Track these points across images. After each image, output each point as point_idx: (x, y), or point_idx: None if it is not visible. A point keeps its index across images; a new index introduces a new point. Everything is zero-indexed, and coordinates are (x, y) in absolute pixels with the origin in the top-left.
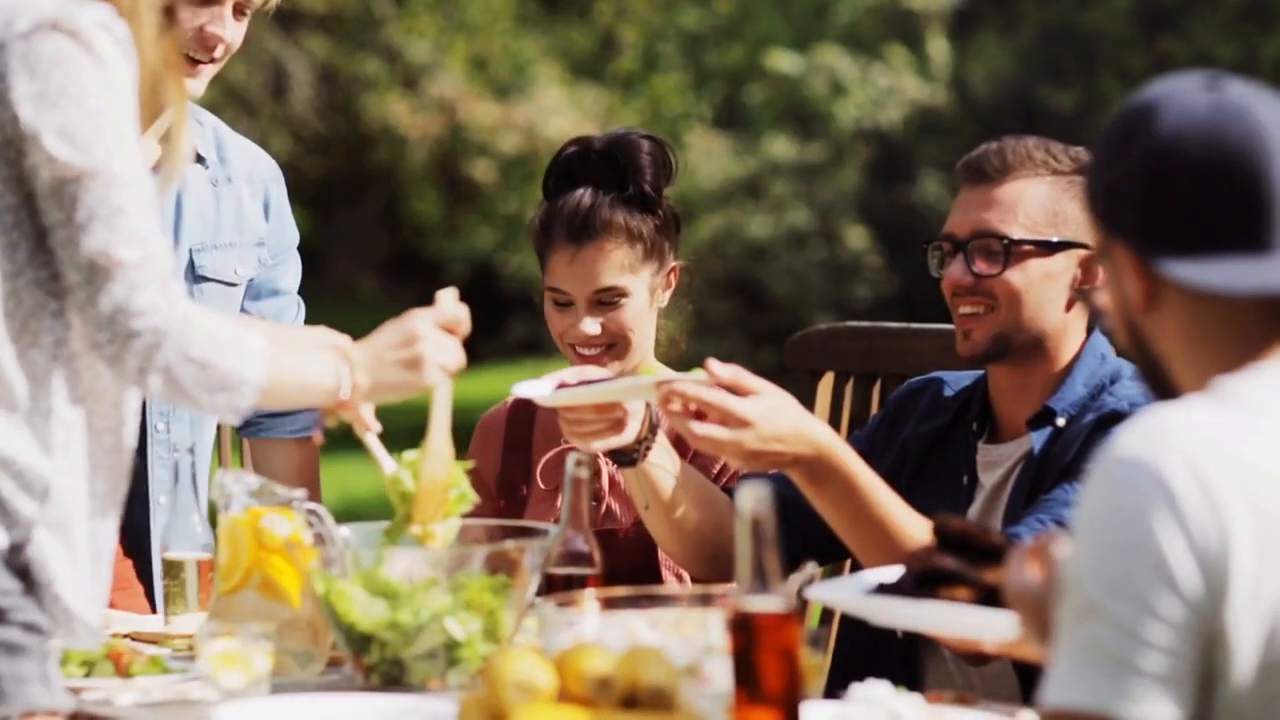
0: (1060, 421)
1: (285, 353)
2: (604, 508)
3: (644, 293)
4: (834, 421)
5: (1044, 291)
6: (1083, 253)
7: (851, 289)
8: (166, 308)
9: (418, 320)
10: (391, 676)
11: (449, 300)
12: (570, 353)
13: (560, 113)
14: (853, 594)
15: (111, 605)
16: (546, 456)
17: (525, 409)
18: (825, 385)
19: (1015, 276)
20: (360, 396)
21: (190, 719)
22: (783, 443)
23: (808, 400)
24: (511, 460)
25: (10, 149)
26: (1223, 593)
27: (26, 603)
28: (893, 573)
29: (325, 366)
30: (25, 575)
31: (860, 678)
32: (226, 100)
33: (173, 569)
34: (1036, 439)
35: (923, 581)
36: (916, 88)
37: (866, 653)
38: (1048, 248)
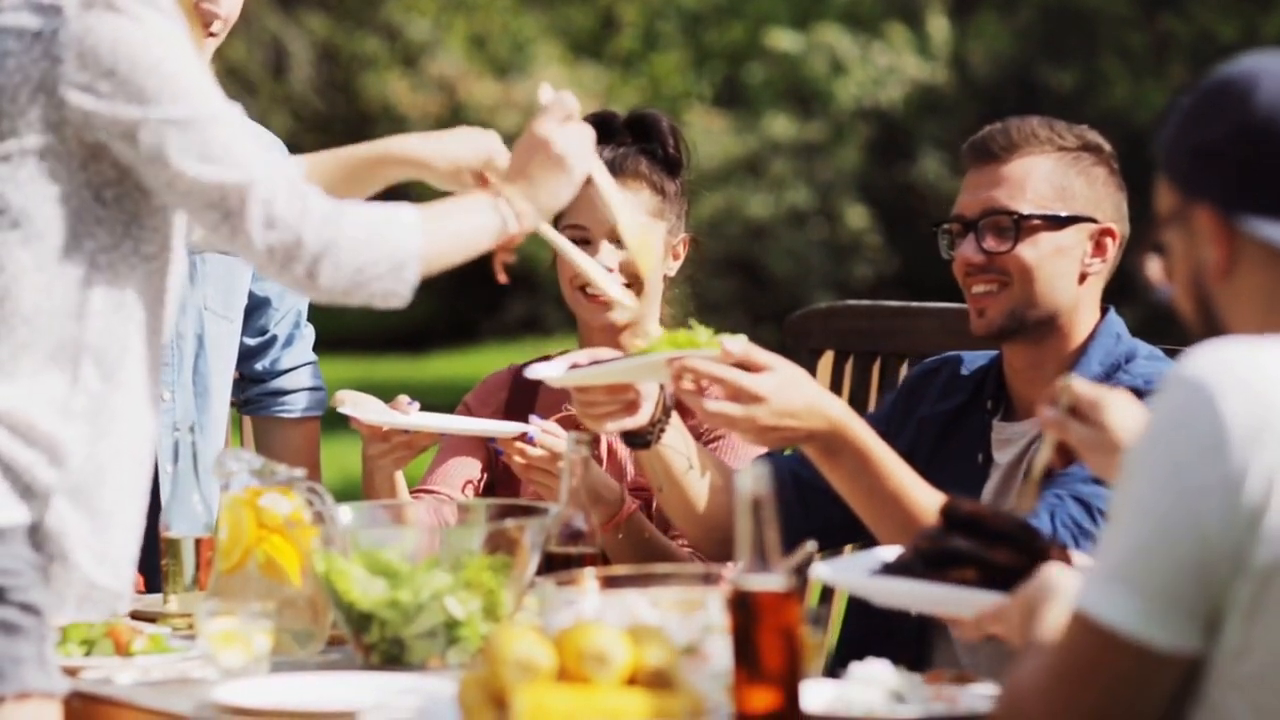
0: None
1: (437, 216)
2: None
3: (659, 246)
4: None
5: (1055, 266)
6: (1092, 227)
7: (851, 268)
8: (310, 208)
9: (539, 127)
10: (391, 655)
11: (552, 93)
12: (579, 296)
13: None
14: (859, 574)
15: None
16: (553, 419)
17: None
18: (825, 364)
19: (1026, 252)
20: (529, 221)
21: (190, 697)
22: (795, 418)
23: None
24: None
25: (68, 128)
26: (1256, 527)
27: (28, 582)
28: (898, 552)
29: (483, 211)
30: (42, 549)
31: (869, 657)
32: (226, 79)
33: (173, 548)
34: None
35: (931, 562)
36: (916, 66)
37: (876, 633)
38: (1057, 222)
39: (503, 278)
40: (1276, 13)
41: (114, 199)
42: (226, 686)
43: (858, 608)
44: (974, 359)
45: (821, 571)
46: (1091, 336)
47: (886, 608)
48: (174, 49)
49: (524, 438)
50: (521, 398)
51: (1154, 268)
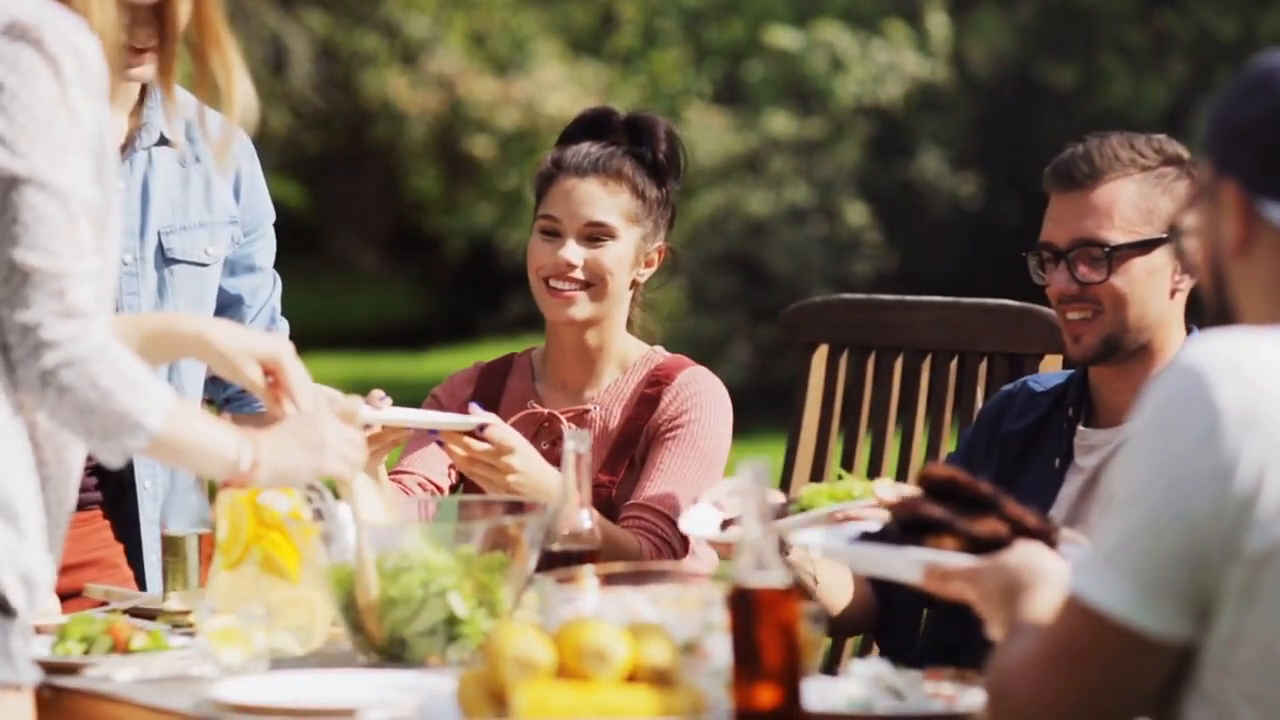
0: None
1: (191, 414)
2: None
3: (629, 250)
4: (828, 393)
5: (1148, 289)
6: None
7: (851, 265)
8: (84, 329)
9: (320, 409)
10: (392, 653)
11: (341, 396)
12: (543, 289)
13: (560, 89)
14: (839, 541)
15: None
16: (513, 419)
17: (495, 372)
18: (820, 357)
19: (1120, 281)
20: (260, 474)
21: (190, 695)
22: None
23: (802, 372)
24: None
25: None
26: (1249, 514)
27: None
28: (878, 521)
29: (228, 437)
30: None
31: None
32: None
33: (172, 545)
34: None
35: (909, 530)
36: (916, 64)
37: (954, 645)
38: (1147, 246)
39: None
40: (1276, 10)
41: None
42: (226, 684)
43: (935, 620)
44: (1048, 379)
45: (801, 540)
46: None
47: (870, 576)
48: (63, 98)
49: (482, 430)
50: (486, 393)
51: (1189, 239)
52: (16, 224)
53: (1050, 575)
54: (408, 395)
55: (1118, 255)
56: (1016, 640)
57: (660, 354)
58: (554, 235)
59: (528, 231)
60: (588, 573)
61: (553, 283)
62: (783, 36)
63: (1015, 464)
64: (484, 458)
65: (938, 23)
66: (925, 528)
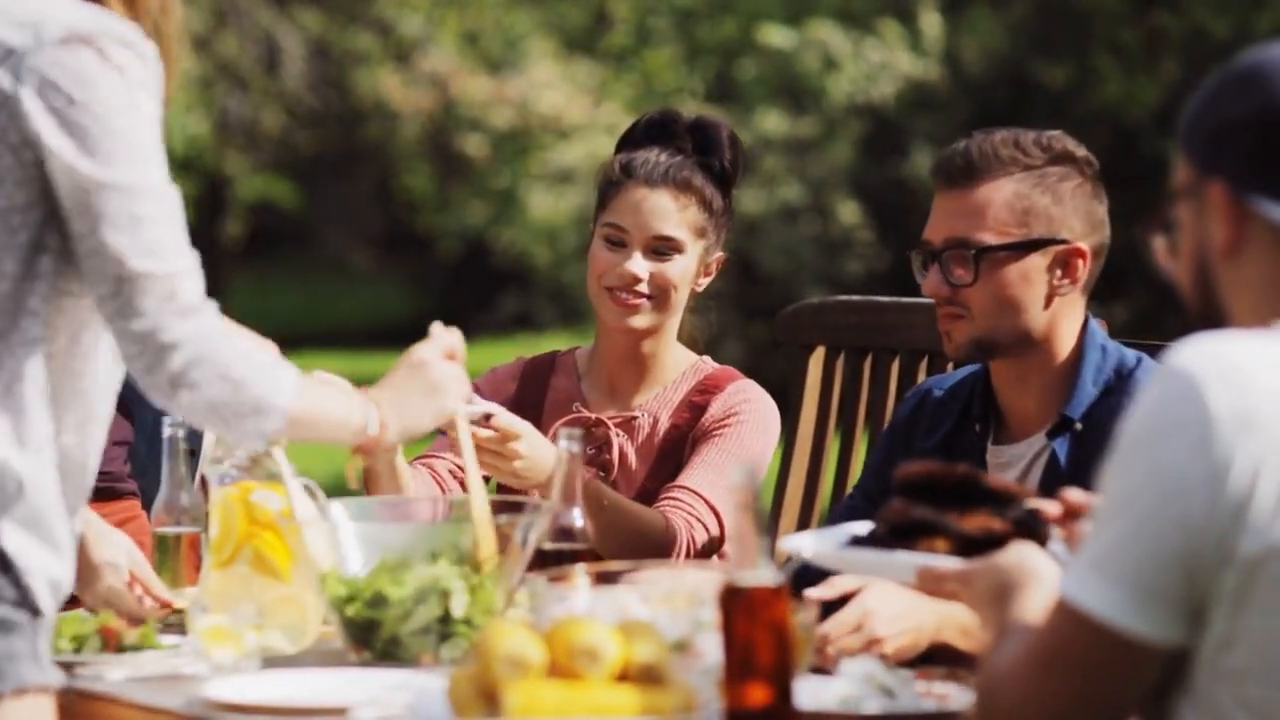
0: (1078, 426)
1: (314, 386)
2: (612, 482)
3: (692, 263)
4: (825, 396)
5: (1020, 293)
6: (1059, 248)
7: (843, 264)
8: (201, 324)
9: (423, 350)
10: (385, 652)
11: (442, 330)
12: (605, 297)
13: (553, 87)
14: (829, 547)
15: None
16: (558, 424)
17: (540, 370)
18: (816, 359)
19: (988, 285)
20: (390, 434)
21: (181, 694)
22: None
23: (799, 374)
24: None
25: (28, 150)
26: (1242, 518)
27: (4, 581)
28: (866, 529)
29: (353, 404)
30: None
31: None
32: (219, 74)
33: (164, 544)
34: (1059, 448)
35: (899, 532)
36: (909, 63)
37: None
38: (1021, 249)
39: (354, 484)
40: (1269, 9)
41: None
42: (217, 682)
43: None
44: (943, 380)
45: (791, 545)
46: (1080, 354)
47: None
48: (134, 103)
49: (486, 419)
50: (530, 392)
51: (1159, 246)
52: (116, 233)
53: (1042, 576)
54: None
55: (987, 258)
56: (1007, 642)
57: (709, 364)
58: (619, 245)
59: (520, 230)
60: (579, 571)
61: (616, 292)
62: (775, 35)
63: None
64: (489, 444)
65: (930, 22)
66: (915, 530)
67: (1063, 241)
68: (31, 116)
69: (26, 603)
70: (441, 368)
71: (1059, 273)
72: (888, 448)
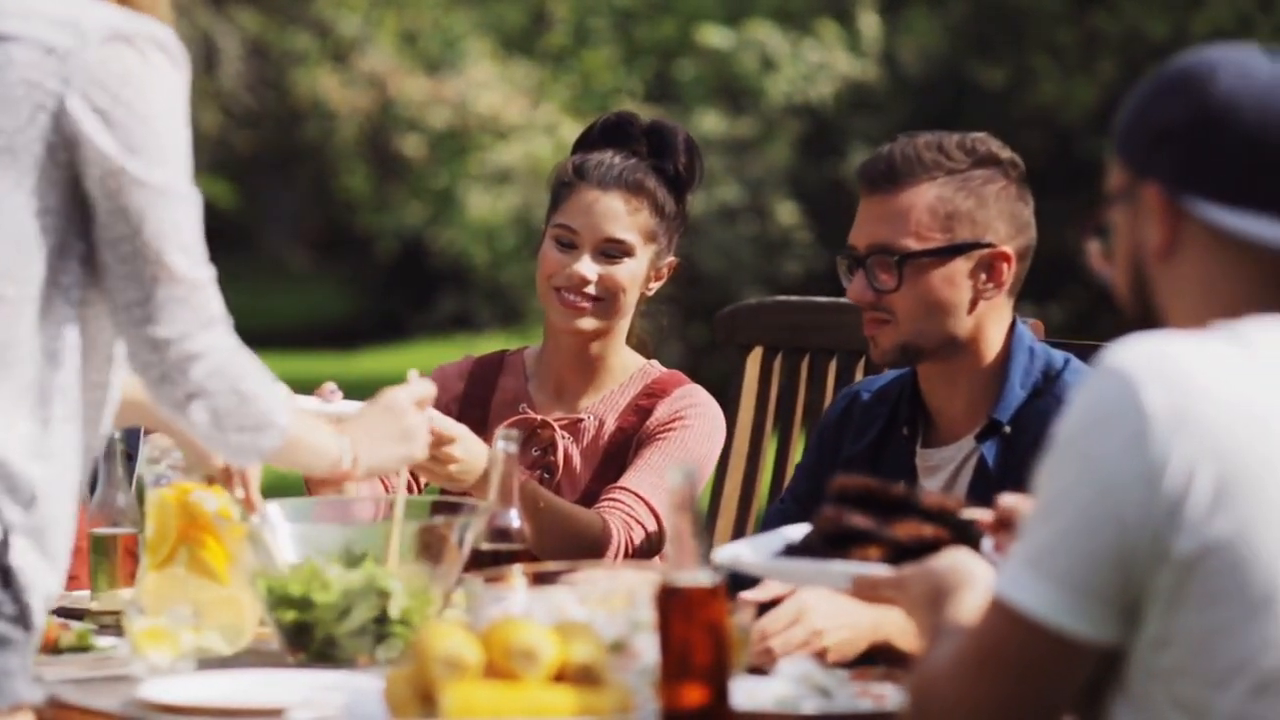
0: (1007, 429)
1: (301, 412)
2: (556, 484)
3: (642, 267)
4: (762, 396)
5: (944, 298)
6: (983, 252)
7: (781, 264)
8: (221, 335)
9: (399, 395)
10: (321, 653)
11: (417, 378)
12: (554, 298)
13: (491, 88)
14: (763, 556)
15: None
16: (506, 423)
17: (488, 370)
18: (754, 359)
19: (912, 290)
20: (359, 469)
21: (117, 695)
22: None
23: (737, 374)
24: (468, 419)
25: (62, 152)
26: (1177, 517)
27: (5, 597)
28: (800, 532)
29: (330, 436)
30: (6, 576)
31: None
32: None
33: (100, 545)
34: (987, 451)
35: (832, 542)
36: (847, 63)
37: None
38: (943, 254)
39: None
40: (1206, 10)
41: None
42: (153, 684)
43: None
44: (872, 382)
45: (724, 554)
46: (1007, 356)
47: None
48: (173, 106)
49: None
50: (477, 390)
51: (1093, 250)
52: (159, 237)
53: (976, 579)
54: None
55: (910, 263)
56: (941, 643)
57: (657, 368)
58: (569, 246)
59: (459, 230)
60: (516, 572)
61: (564, 293)
62: (714, 36)
63: None
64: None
65: (869, 22)
66: (848, 538)
67: (987, 245)
68: (77, 115)
69: (23, 619)
70: (414, 416)
71: (983, 276)
72: (817, 451)
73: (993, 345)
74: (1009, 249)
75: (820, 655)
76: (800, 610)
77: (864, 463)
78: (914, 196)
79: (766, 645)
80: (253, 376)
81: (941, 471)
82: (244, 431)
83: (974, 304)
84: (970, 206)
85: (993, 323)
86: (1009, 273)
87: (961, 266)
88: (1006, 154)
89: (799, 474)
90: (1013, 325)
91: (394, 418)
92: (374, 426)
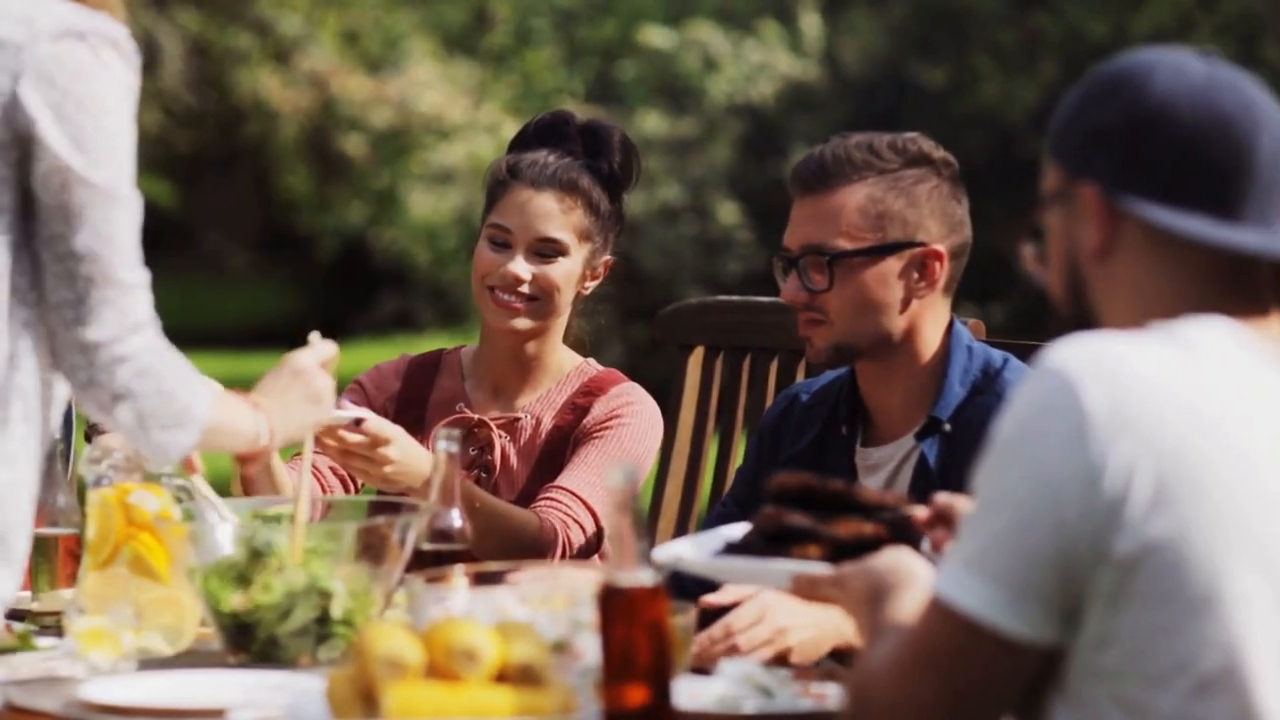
0: (947, 427)
1: (223, 402)
2: (493, 484)
3: (577, 266)
4: (704, 396)
5: (877, 297)
6: (914, 251)
7: (723, 264)
8: (149, 338)
9: (303, 358)
10: (262, 653)
11: (320, 339)
12: (486, 295)
13: (432, 87)
14: (702, 555)
15: None
16: (440, 424)
17: (425, 369)
18: (695, 359)
19: (844, 290)
20: (276, 441)
21: (58, 696)
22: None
23: (678, 374)
24: (405, 418)
25: (14, 149)
26: (1117, 517)
27: None
28: (740, 531)
29: (245, 413)
30: None
31: None
32: None
33: (41, 545)
34: (928, 449)
35: (772, 540)
36: (789, 63)
37: None
38: (875, 253)
39: (241, 493)
40: (1146, 10)
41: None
42: (94, 684)
43: None
44: (810, 384)
45: (665, 554)
46: (946, 355)
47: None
48: (122, 105)
49: (357, 424)
50: (414, 390)
51: (1027, 252)
52: (95, 237)
53: (916, 577)
54: None
55: (841, 263)
56: (880, 642)
57: (595, 367)
58: (503, 246)
59: (400, 230)
60: (458, 572)
61: (498, 292)
62: (655, 36)
63: None
64: (358, 450)
65: (810, 22)
66: (788, 536)
67: (919, 244)
68: (29, 109)
69: None
70: (320, 378)
71: (916, 275)
72: (756, 453)
73: (929, 344)
74: (941, 248)
75: (784, 655)
76: (764, 609)
77: (804, 462)
78: (845, 197)
79: (732, 642)
80: (175, 375)
81: (881, 470)
82: (166, 429)
83: (907, 303)
84: (901, 206)
85: (928, 322)
86: (942, 271)
87: (893, 265)
88: (939, 153)
89: (739, 478)
90: (950, 324)
91: (302, 382)
92: (284, 394)
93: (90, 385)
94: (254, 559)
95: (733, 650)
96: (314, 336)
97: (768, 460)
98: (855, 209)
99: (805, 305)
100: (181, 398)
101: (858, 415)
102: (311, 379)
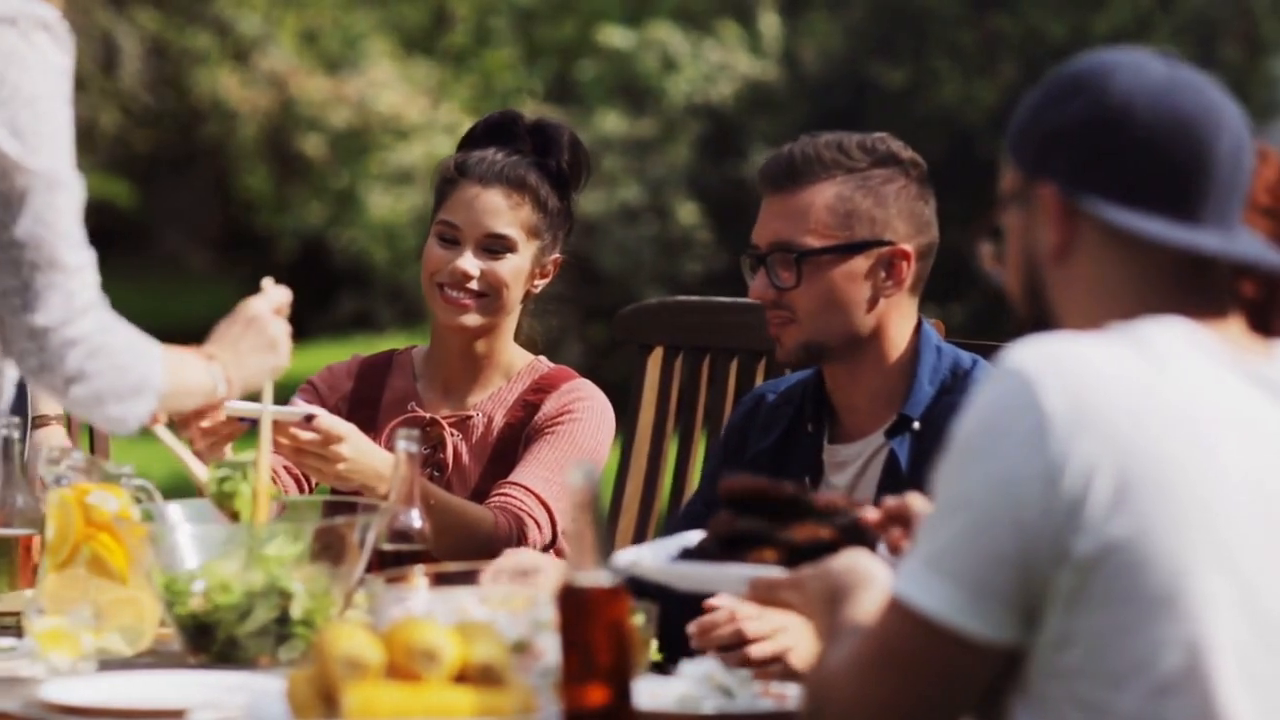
0: (917, 425)
1: (176, 362)
2: (446, 481)
3: (526, 263)
4: (663, 396)
5: (844, 296)
6: (882, 250)
7: (682, 264)
8: (99, 318)
9: (257, 304)
10: (222, 654)
11: (273, 285)
12: (435, 292)
13: (391, 87)
14: (659, 561)
15: None
16: (393, 423)
17: (376, 369)
18: (655, 359)
19: (812, 288)
20: (233, 390)
21: (17, 696)
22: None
23: (638, 374)
24: (357, 418)
25: None
26: (1077, 517)
27: None
28: (697, 537)
29: (200, 369)
30: None
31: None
32: None
33: None
34: (898, 447)
35: (728, 544)
36: (748, 64)
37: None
38: (842, 252)
39: (200, 444)
40: (1106, 12)
41: None
42: (54, 685)
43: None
44: (778, 384)
45: (623, 559)
46: (915, 354)
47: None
48: (57, 89)
49: (308, 420)
50: (366, 390)
51: (985, 252)
52: (37, 223)
53: (874, 579)
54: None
55: (809, 261)
56: (839, 644)
57: (545, 364)
58: (452, 242)
59: (359, 230)
60: (418, 572)
61: (447, 289)
62: (615, 36)
63: None
64: (311, 447)
65: (769, 23)
66: (744, 541)
67: (887, 243)
68: None
69: None
70: (275, 325)
71: (883, 274)
72: (723, 453)
73: (897, 343)
74: (909, 247)
75: (783, 655)
76: (778, 628)
77: (771, 458)
78: (813, 195)
79: (736, 627)
80: (127, 349)
81: (849, 467)
82: (123, 402)
83: (874, 302)
84: (869, 205)
85: (896, 321)
86: (909, 271)
87: (860, 264)
88: (907, 154)
89: (705, 478)
90: (919, 324)
91: (257, 330)
92: (238, 342)
93: (43, 370)
94: (223, 501)
95: (737, 636)
96: (267, 282)
97: (734, 460)
98: (824, 207)
99: (773, 303)
100: (136, 370)
101: (824, 413)
102: (265, 325)
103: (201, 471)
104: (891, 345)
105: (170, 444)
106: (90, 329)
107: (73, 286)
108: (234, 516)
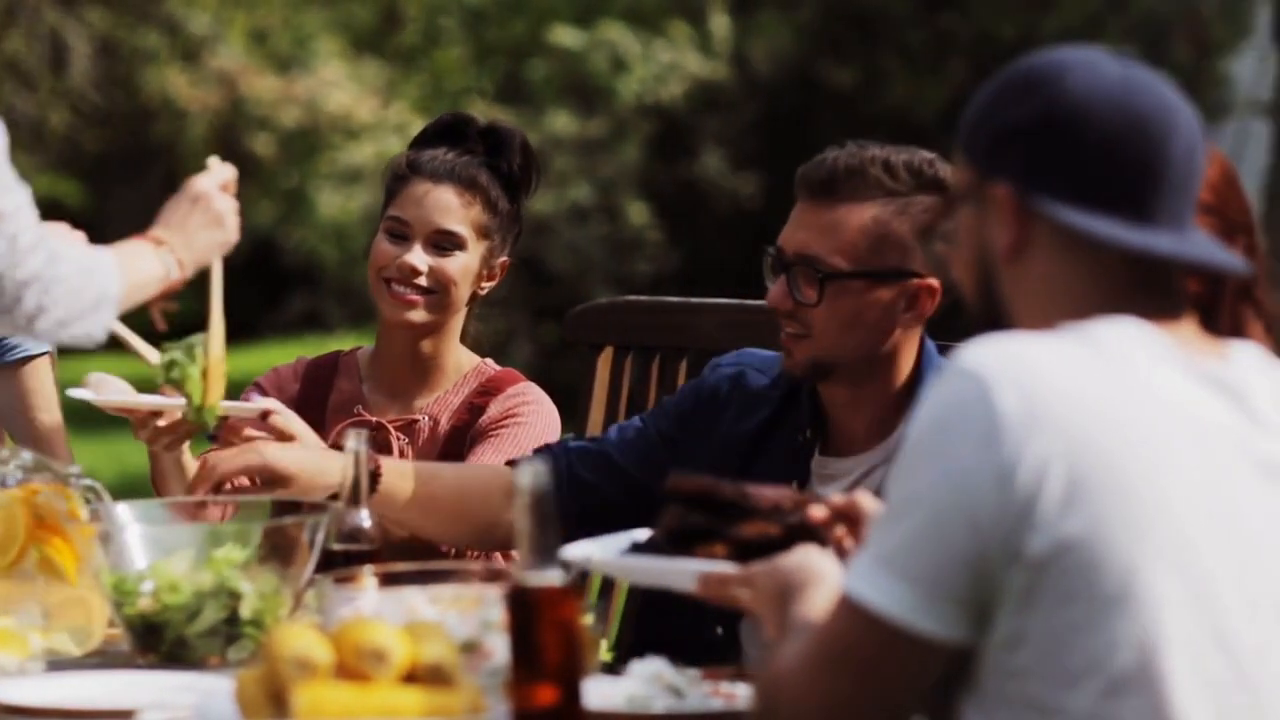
0: None
1: (126, 260)
2: None
3: (474, 262)
4: (613, 395)
5: (864, 321)
6: (910, 282)
7: (632, 264)
8: (47, 252)
9: (202, 182)
10: (171, 654)
11: (219, 163)
12: (383, 288)
13: (341, 86)
14: (609, 554)
15: None
16: (340, 427)
17: (322, 371)
18: (605, 359)
19: (831, 309)
20: (186, 271)
21: None
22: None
23: (588, 374)
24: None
25: None
26: (1029, 517)
27: None
28: (645, 533)
29: (152, 258)
30: None
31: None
32: (4, 73)
33: None
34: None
35: (677, 540)
36: (698, 63)
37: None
38: (870, 279)
39: (162, 325)
40: (1056, 13)
41: None
42: (2, 685)
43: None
44: (766, 361)
45: (573, 553)
46: (918, 374)
47: (643, 587)
48: None
49: (263, 416)
50: (313, 392)
51: (936, 250)
52: None
53: (825, 576)
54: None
55: (833, 282)
56: (790, 641)
57: (492, 367)
58: (401, 238)
59: (309, 230)
60: (367, 573)
61: (394, 285)
62: (565, 35)
63: (741, 470)
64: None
65: (719, 23)
66: (693, 536)
67: (913, 275)
68: None
69: None
70: (221, 200)
71: (904, 305)
72: (693, 406)
73: (903, 369)
74: (935, 281)
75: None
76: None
77: (750, 443)
78: (849, 213)
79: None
80: (79, 272)
81: (839, 481)
82: (85, 319)
83: (891, 330)
84: (904, 233)
85: (905, 349)
86: (932, 305)
87: (885, 293)
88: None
89: (662, 412)
90: (922, 344)
91: (202, 207)
92: (186, 221)
93: (2, 314)
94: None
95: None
96: (212, 160)
97: (702, 422)
98: (858, 228)
99: (789, 314)
100: (90, 289)
101: (820, 423)
102: (212, 202)
103: (154, 357)
104: (898, 371)
105: (121, 332)
106: (39, 266)
107: (13, 229)
108: (189, 399)
